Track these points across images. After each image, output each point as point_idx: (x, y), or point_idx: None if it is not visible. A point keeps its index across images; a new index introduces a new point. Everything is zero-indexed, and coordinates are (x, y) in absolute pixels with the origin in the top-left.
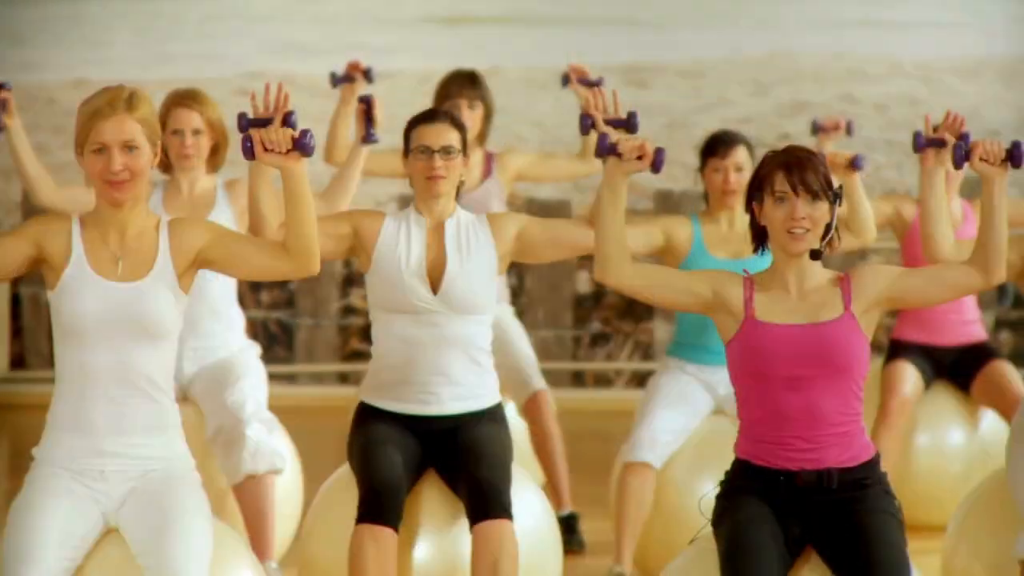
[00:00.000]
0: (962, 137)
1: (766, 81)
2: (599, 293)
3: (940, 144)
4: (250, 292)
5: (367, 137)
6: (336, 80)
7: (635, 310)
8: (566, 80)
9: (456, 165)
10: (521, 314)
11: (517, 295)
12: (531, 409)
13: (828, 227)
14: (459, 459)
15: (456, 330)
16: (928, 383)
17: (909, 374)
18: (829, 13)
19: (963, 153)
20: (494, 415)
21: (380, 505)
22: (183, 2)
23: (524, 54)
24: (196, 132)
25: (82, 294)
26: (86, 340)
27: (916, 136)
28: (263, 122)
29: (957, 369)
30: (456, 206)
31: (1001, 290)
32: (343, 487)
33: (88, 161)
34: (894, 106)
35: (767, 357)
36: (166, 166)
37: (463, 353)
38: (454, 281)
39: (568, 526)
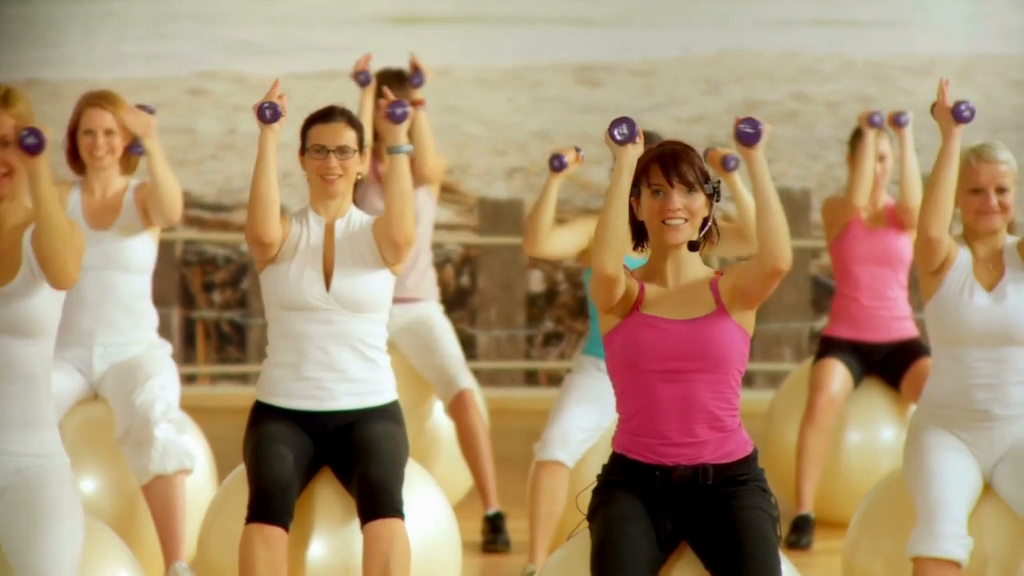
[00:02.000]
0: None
1: (718, 80)
2: (552, 292)
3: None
4: (202, 292)
5: None
6: (363, 79)
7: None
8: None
9: (352, 164)
10: (474, 313)
11: (469, 294)
12: (457, 408)
13: (706, 220)
14: (352, 457)
15: (349, 327)
16: (858, 380)
17: (837, 371)
18: (780, 12)
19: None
20: (389, 413)
21: (269, 504)
22: (135, 2)
23: (476, 53)
24: (108, 132)
25: None
26: None
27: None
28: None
29: (887, 366)
30: (350, 205)
31: None
32: (239, 487)
33: None
34: (846, 104)
35: (644, 350)
36: (79, 166)
37: (356, 350)
38: (345, 279)
39: (494, 526)
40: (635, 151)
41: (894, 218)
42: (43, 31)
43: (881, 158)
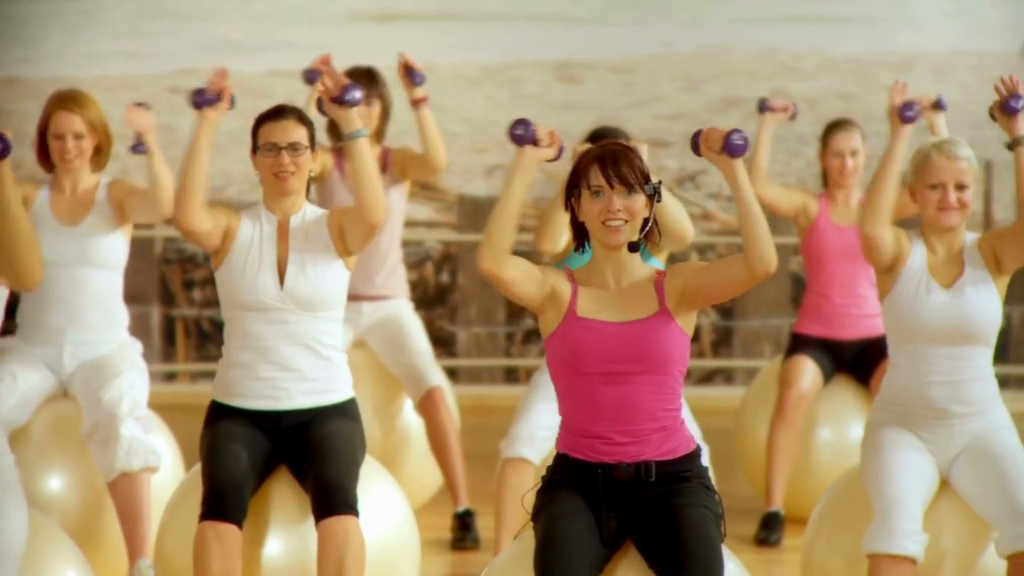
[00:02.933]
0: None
1: (697, 77)
2: None
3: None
4: (182, 290)
5: None
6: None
7: None
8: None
9: (304, 161)
10: (454, 311)
11: (449, 292)
12: (426, 405)
13: (647, 220)
14: (307, 455)
15: (304, 326)
16: (828, 377)
17: (807, 369)
18: (760, 9)
19: (696, 141)
20: (345, 411)
21: (223, 502)
22: (114, 0)
23: (456, 51)
24: (78, 136)
25: None
26: None
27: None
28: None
29: (857, 363)
30: (304, 202)
31: None
32: (195, 485)
33: None
34: (826, 101)
35: (585, 352)
36: (50, 165)
37: (310, 349)
38: (299, 277)
39: (463, 523)
40: (533, 153)
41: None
42: (23, 30)
43: (853, 153)
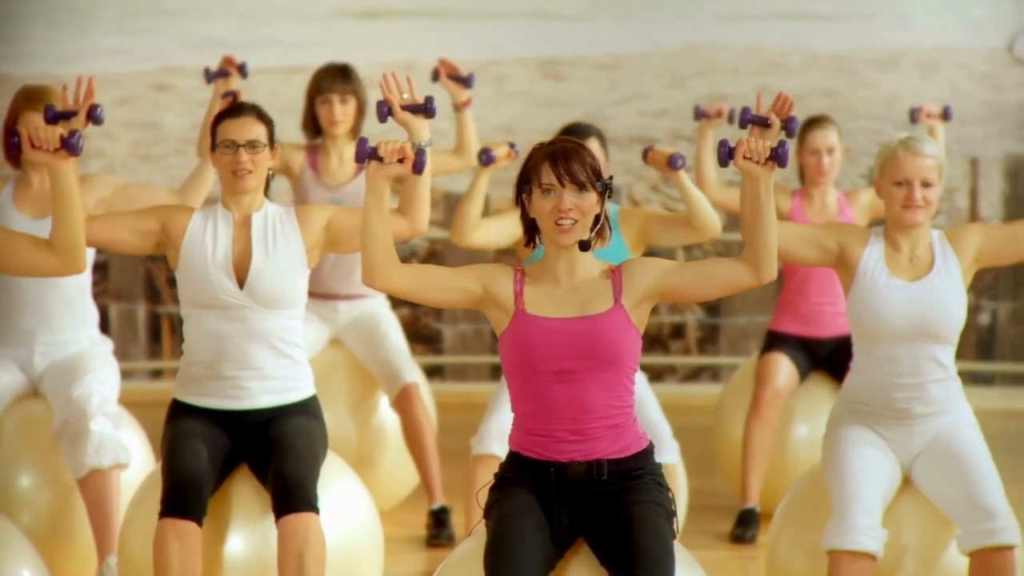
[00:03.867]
0: (789, 120)
1: (682, 74)
2: None
3: (764, 123)
4: (168, 287)
5: None
6: (210, 76)
7: None
8: (436, 75)
9: (263, 159)
10: (440, 308)
11: None
12: (402, 402)
13: (598, 218)
14: (268, 453)
15: (264, 324)
16: (804, 375)
17: (783, 366)
18: (745, 6)
19: (727, 151)
20: (307, 408)
21: (182, 499)
22: None
23: (441, 48)
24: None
25: None
26: None
27: (743, 112)
28: (68, 115)
29: (833, 361)
30: (264, 200)
31: None
32: (158, 482)
33: None
34: (811, 98)
35: (536, 350)
36: (17, 161)
37: (272, 347)
38: (260, 275)
39: (439, 519)
40: (376, 170)
41: (844, 211)
42: (7, 26)
43: (829, 151)
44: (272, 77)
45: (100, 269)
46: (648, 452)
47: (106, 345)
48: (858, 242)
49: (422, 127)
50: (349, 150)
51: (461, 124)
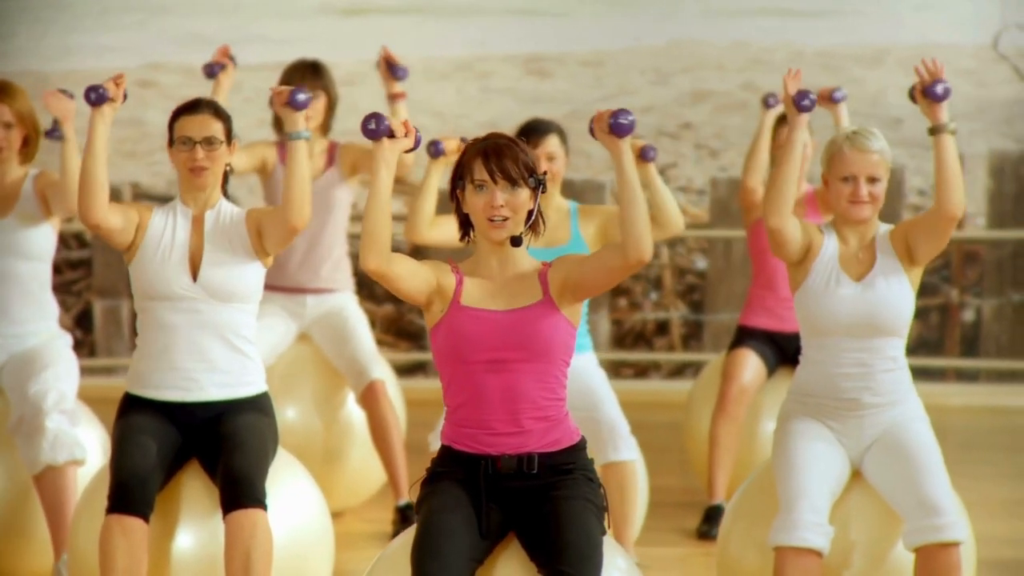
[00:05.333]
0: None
1: (667, 70)
2: None
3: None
4: None
5: None
6: (212, 70)
7: None
8: (378, 65)
9: (219, 155)
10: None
11: None
12: (368, 398)
13: (531, 214)
14: (217, 448)
15: (216, 317)
16: (772, 370)
17: (750, 361)
18: (730, 2)
19: (591, 126)
20: (257, 404)
21: (128, 496)
22: None
23: (424, 45)
24: (7, 125)
25: None
26: None
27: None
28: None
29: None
30: (220, 197)
31: None
32: (107, 478)
33: None
34: None
35: (468, 340)
36: None
37: (223, 340)
38: (212, 269)
39: (404, 516)
40: (391, 145)
41: (813, 205)
42: None
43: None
44: (257, 73)
45: (84, 265)
46: (580, 447)
47: (65, 340)
48: (817, 239)
49: (292, 117)
50: (319, 146)
51: (393, 115)
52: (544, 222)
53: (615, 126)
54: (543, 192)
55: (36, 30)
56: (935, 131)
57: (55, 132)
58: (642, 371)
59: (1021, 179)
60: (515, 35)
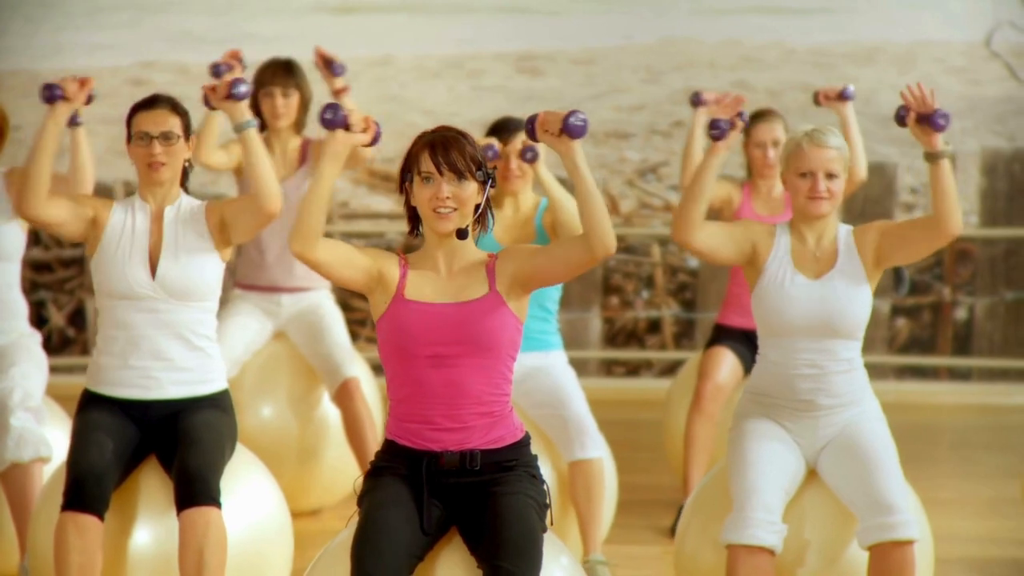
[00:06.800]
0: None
1: (659, 68)
2: None
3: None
4: None
5: None
6: (218, 70)
7: None
8: (316, 65)
9: (177, 151)
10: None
11: None
12: (342, 396)
13: (478, 207)
14: (174, 445)
15: (175, 316)
16: (748, 368)
17: (726, 359)
18: (721, 0)
19: (532, 126)
20: (217, 402)
21: (83, 493)
22: None
23: (416, 42)
24: None
25: None
26: None
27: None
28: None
29: None
30: (180, 192)
31: (898, 277)
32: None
33: None
34: (787, 92)
35: (411, 334)
36: None
37: (183, 338)
38: (170, 267)
39: None
40: (344, 138)
41: (789, 204)
42: None
43: (775, 143)
44: (249, 72)
45: (77, 264)
46: (523, 443)
47: (34, 338)
48: (766, 239)
49: (236, 109)
50: (292, 144)
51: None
52: (493, 216)
53: (570, 127)
54: (493, 186)
55: (27, 28)
56: (933, 158)
57: (76, 120)
58: (634, 369)
59: (1013, 177)
60: (506, 33)
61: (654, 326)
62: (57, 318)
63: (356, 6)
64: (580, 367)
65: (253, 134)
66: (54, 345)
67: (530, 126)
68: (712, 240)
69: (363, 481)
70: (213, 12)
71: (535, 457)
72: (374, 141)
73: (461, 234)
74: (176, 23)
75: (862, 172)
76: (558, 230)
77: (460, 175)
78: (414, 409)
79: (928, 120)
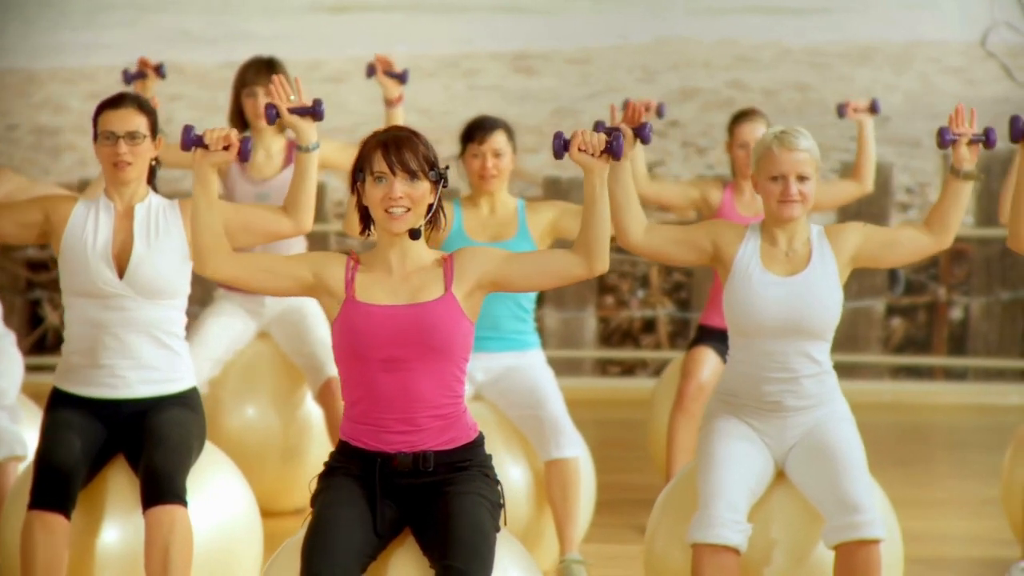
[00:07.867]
0: (641, 128)
1: (654, 68)
2: None
3: (612, 131)
4: None
5: None
6: (128, 77)
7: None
8: (372, 71)
9: (143, 150)
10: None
11: None
12: (325, 395)
13: (431, 207)
14: (141, 444)
15: (144, 314)
16: None
17: (708, 359)
18: (717, 0)
19: (562, 143)
20: (185, 401)
21: (50, 492)
22: None
23: (412, 42)
24: None
25: None
26: None
27: (596, 125)
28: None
29: None
30: (149, 191)
31: (893, 278)
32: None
33: None
34: (783, 92)
35: (365, 337)
36: None
37: (152, 337)
38: (140, 265)
39: None
40: (202, 157)
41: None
42: None
43: None
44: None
45: None
46: (477, 443)
47: (9, 337)
48: (733, 239)
49: (308, 129)
50: (276, 144)
51: (391, 120)
52: (445, 216)
53: (614, 148)
54: (445, 186)
55: (24, 27)
56: (965, 177)
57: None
58: (629, 369)
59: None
60: (502, 32)
61: (649, 326)
62: (53, 317)
63: (352, 6)
64: (575, 366)
65: (315, 158)
66: (49, 344)
67: (560, 143)
68: (654, 242)
69: (316, 481)
70: (210, 12)
71: (489, 456)
72: (243, 157)
73: (414, 234)
74: (173, 23)
75: (869, 185)
76: (564, 235)
77: (413, 175)
78: (366, 412)
79: (983, 140)
